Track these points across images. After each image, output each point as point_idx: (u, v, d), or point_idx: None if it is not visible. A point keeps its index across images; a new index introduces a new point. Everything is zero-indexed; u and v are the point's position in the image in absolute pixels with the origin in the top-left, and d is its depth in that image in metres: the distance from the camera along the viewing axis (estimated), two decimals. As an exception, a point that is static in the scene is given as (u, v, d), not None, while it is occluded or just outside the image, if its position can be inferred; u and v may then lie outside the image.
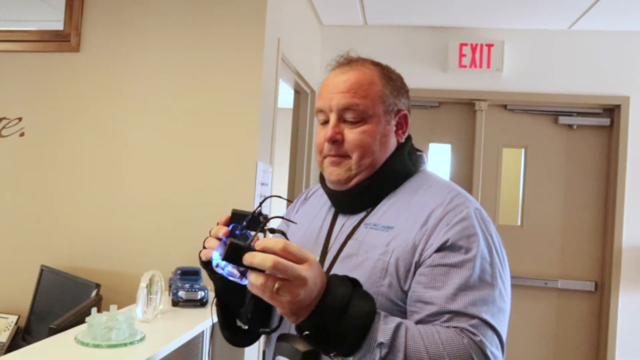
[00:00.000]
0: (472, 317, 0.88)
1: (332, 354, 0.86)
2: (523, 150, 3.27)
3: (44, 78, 2.32)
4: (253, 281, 0.77)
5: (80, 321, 1.58)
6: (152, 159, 2.22)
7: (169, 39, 2.22)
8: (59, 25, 2.31)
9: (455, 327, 0.88)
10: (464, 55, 3.19)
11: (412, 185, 1.08)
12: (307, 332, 0.82)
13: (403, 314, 0.95)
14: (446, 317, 0.89)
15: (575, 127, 3.21)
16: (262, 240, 0.79)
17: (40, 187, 2.31)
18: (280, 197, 1.15)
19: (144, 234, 2.19)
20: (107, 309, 1.55)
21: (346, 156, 1.06)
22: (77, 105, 2.29)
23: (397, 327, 0.85)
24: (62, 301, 2.04)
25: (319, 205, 1.21)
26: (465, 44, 3.19)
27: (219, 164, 2.16)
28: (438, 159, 3.32)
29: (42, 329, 1.88)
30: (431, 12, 3.03)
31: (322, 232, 1.12)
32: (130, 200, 2.22)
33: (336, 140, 1.06)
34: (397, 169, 1.09)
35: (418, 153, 1.16)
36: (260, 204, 0.98)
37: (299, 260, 0.78)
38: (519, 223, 3.25)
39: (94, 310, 1.51)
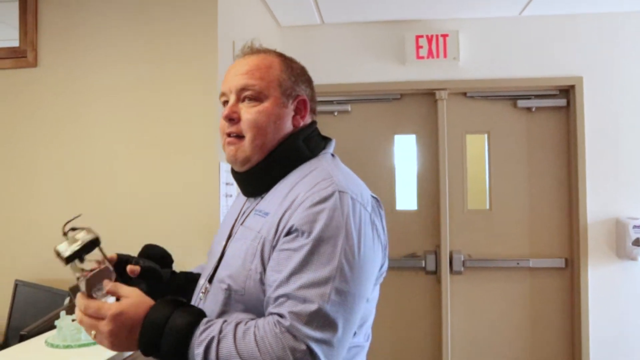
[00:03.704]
0: (302, 300, 0.91)
1: None
2: (486, 135, 3.35)
3: (4, 94, 2.35)
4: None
5: (52, 327, 1.61)
6: (113, 168, 2.26)
7: (123, 50, 2.27)
8: (16, 43, 2.35)
9: (277, 313, 0.92)
10: (421, 47, 3.27)
11: (302, 171, 1.10)
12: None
13: None
14: (280, 300, 0.93)
15: (534, 109, 3.30)
16: (77, 298, 0.98)
17: (6, 202, 2.34)
18: (77, 216, 1.18)
19: (110, 240, 2.22)
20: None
21: (241, 137, 1.11)
22: (38, 118, 2.32)
23: (210, 343, 0.91)
24: (38, 313, 2.06)
25: (241, 197, 1.28)
26: (421, 36, 3.27)
27: (182, 168, 2.21)
28: (404, 150, 3.39)
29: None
30: (386, 6, 3.11)
31: (232, 219, 1.20)
32: (93, 210, 2.25)
33: (232, 119, 1.11)
34: (288, 152, 1.12)
35: (325, 139, 1.21)
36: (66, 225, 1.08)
37: (98, 318, 0.94)
38: (487, 207, 3.33)
39: (62, 313, 1.55)
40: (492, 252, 3.29)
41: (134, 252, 2.17)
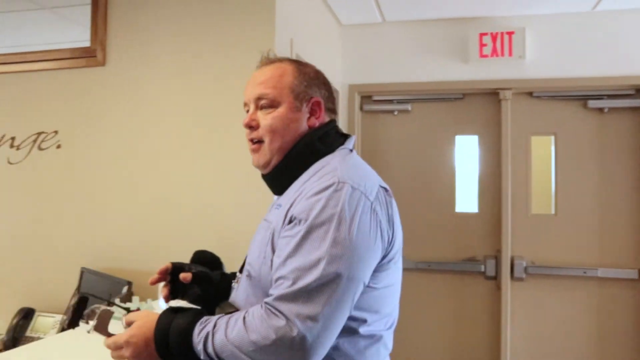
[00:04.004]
0: (292, 280, 0.99)
1: None
2: (552, 137, 3.20)
3: (75, 92, 2.49)
4: None
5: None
6: (174, 163, 2.33)
7: (183, 47, 2.34)
8: (88, 43, 2.48)
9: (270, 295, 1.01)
10: (485, 45, 3.17)
11: (316, 167, 1.17)
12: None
13: None
14: (277, 282, 1.02)
15: (606, 110, 3.12)
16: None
17: (75, 194, 2.47)
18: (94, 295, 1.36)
19: (169, 234, 2.31)
20: (136, 303, 1.66)
21: (261, 142, 1.21)
22: (105, 115, 2.44)
23: (206, 338, 1.02)
24: (103, 298, 2.17)
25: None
26: (485, 34, 3.17)
27: (236, 165, 2.24)
28: (465, 151, 3.30)
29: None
30: (449, 4, 3.04)
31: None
32: (158, 204, 2.34)
33: (251, 126, 1.22)
34: (303, 150, 1.20)
35: (344, 136, 1.27)
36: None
37: (118, 348, 1.10)
38: (552, 212, 3.18)
39: (116, 299, 1.62)
40: (557, 259, 3.13)
41: (191, 240, 2.24)
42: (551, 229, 3.16)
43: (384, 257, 1.10)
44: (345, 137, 1.28)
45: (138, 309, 1.22)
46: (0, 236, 2.59)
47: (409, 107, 3.38)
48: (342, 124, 3.41)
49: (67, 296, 2.35)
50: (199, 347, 1.02)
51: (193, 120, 2.32)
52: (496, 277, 3.18)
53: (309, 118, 1.22)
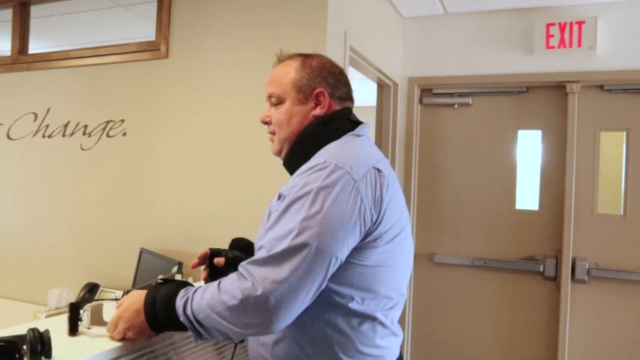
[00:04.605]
0: (267, 248, 1.08)
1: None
2: (624, 133, 3.01)
3: (140, 83, 2.64)
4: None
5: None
6: (229, 151, 2.42)
7: (240, 40, 2.42)
8: (153, 37, 2.63)
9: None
10: (552, 36, 3.03)
11: (322, 152, 1.24)
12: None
13: None
14: (258, 252, 1.13)
15: (686, 105, 2.90)
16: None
17: (138, 179, 2.64)
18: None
19: (221, 219, 2.41)
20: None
21: (274, 134, 1.35)
22: (167, 105, 2.58)
23: (186, 302, 1.13)
24: (155, 276, 2.31)
25: None
26: (552, 24, 3.03)
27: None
28: (528, 146, 3.18)
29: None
30: (513, -6, 2.94)
31: None
32: (210, 191, 2.45)
33: (266, 122, 1.37)
34: (306, 137, 1.29)
35: (354, 122, 1.32)
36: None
37: (114, 325, 1.23)
38: (621, 212, 3.00)
39: (159, 277, 1.71)
40: (624, 262, 2.96)
41: (238, 227, 2.33)
42: (619, 230, 2.98)
43: (367, 236, 1.13)
44: (357, 124, 1.33)
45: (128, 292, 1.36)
46: (73, 217, 2.82)
47: (469, 100, 3.30)
48: (401, 117, 3.38)
49: (127, 274, 2.52)
50: (179, 311, 1.12)
51: (249, 111, 2.39)
52: (556, 278, 3.05)
53: (314, 108, 1.30)
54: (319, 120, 1.29)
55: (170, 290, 1.17)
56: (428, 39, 3.32)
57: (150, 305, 1.17)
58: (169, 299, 1.15)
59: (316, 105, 1.30)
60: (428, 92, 3.40)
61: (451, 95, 3.34)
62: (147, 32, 2.88)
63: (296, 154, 1.30)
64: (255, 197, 2.35)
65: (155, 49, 2.60)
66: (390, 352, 1.22)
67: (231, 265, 1.34)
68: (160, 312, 1.15)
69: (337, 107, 1.32)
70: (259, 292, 1.03)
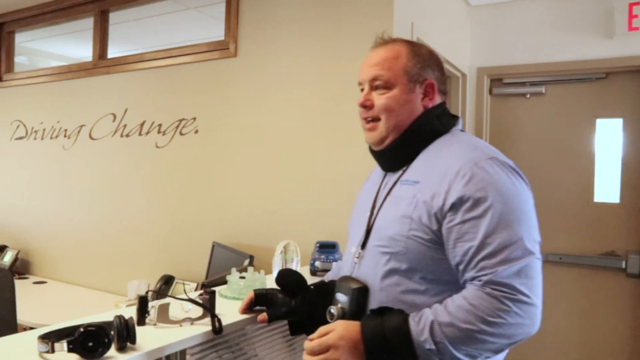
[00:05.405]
0: (500, 261, 1.03)
1: None
2: None
3: (211, 82, 2.73)
4: None
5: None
6: (296, 147, 2.46)
7: (307, 37, 2.44)
8: (222, 36, 2.70)
9: (481, 276, 1.04)
10: (635, 17, 2.84)
11: (441, 144, 1.24)
12: None
13: (433, 250, 1.14)
14: (482, 264, 1.05)
15: None
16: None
17: (210, 175, 2.72)
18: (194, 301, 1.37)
19: (290, 214, 2.45)
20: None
21: (377, 119, 1.27)
22: (237, 102, 2.64)
23: (432, 326, 1.04)
24: (226, 269, 2.38)
25: (377, 175, 1.42)
26: (636, 3, 2.83)
27: (353, 150, 2.29)
28: (607, 135, 3.00)
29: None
30: (589, -25, 2.78)
31: (372, 192, 1.35)
32: (279, 186, 2.49)
33: (366, 106, 1.28)
34: (424, 128, 1.25)
35: (454, 117, 1.31)
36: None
37: (323, 350, 1.11)
38: None
39: (233, 269, 1.76)
40: None
41: (305, 224, 2.35)
42: None
43: None
44: (455, 118, 1.32)
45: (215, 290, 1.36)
46: (149, 212, 2.95)
47: (542, 89, 3.16)
48: (470, 109, 3.30)
49: (200, 267, 2.62)
50: (422, 337, 1.04)
51: (319, 106, 2.40)
52: (640, 275, 2.87)
53: (422, 99, 1.26)
54: (430, 112, 1.26)
55: (398, 320, 1.07)
56: (497, 27, 3.21)
57: (376, 337, 1.07)
58: (403, 328, 1.06)
59: (424, 96, 1.27)
60: (498, 82, 3.29)
61: (523, 84, 3.22)
62: (216, 32, 2.97)
63: (408, 146, 1.26)
64: (323, 192, 2.37)
65: (224, 48, 2.67)
66: None
67: (261, 304, 1.43)
68: (395, 343, 1.05)
69: (439, 99, 1.29)
70: (527, 300, 1.03)
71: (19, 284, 2.53)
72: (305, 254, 2.10)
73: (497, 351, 1.06)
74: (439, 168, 1.16)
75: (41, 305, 2.84)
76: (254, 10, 2.60)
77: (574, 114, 3.09)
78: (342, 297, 1.24)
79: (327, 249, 2.14)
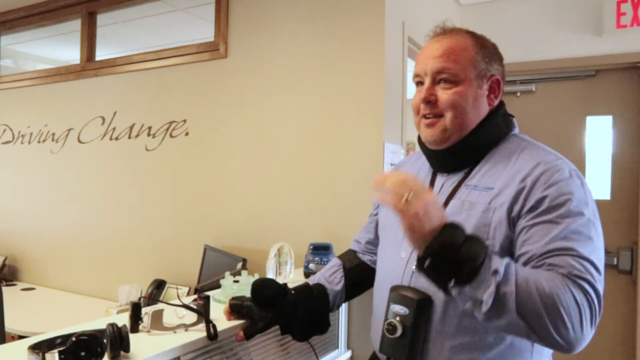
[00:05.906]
0: (571, 255, 0.98)
1: (450, 284, 0.94)
2: None
3: (201, 84, 2.70)
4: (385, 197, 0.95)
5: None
6: (288, 148, 2.43)
7: (297, 36, 2.42)
8: (212, 38, 2.68)
9: (555, 265, 0.98)
10: (623, 14, 2.86)
11: (508, 148, 1.16)
12: (428, 263, 0.94)
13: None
14: (557, 259, 0.99)
15: None
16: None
17: (200, 178, 2.70)
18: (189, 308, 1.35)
19: (283, 216, 2.42)
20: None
21: (440, 116, 1.16)
22: (228, 104, 2.62)
23: (509, 261, 0.96)
24: (218, 272, 2.35)
25: (414, 169, 1.32)
26: (625, 1, 2.85)
27: (347, 149, 2.27)
28: (597, 133, 3.02)
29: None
30: (578, -27, 2.79)
31: None
32: (272, 188, 2.47)
33: (429, 101, 1.16)
34: (492, 131, 1.17)
35: (511, 116, 1.24)
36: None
37: (404, 185, 0.95)
38: None
39: (227, 273, 1.74)
40: None
41: (302, 226, 2.33)
42: (702, 220, 2.79)
43: None
44: (512, 117, 1.26)
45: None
46: (140, 216, 2.92)
47: (533, 87, 3.17)
48: (460, 107, 3.30)
49: (192, 270, 2.59)
50: (498, 266, 0.93)
51: (306, 107, 2.38)
52: (632, 272, 2.88)
53: (487, 96, 1.18)
54: (497, 112, 1.18)
55: (481, 243, 0.96)
56: (486, 25, 3.21)
57: (452, 234, 0.94)
58: (482, 248, 0.95)
59: (489, 93, 1.18)
60: (489, 80, 3.29)
61: (513, 82, 3.22)
62: (206, 33, 2.94)
63: (476, 147, 1.17)
64: (316, 193, 2.35)
65: (214, 49, 2.65)
66: None
67: (236, 314, 1.39)
68: (467, 252, 0.93)
69: (500, 97, 1.22)
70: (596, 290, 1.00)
71: (6, 291, 2.49)
72: (299, 256, 2.09)
73: (528, 336, 0.98)
74: (515, 175, 1.09)
75: (30, 312, 2.79)
76: (243, 11, 2.58)
77: (565, 111, 3.10)
78: (401, 310, 1.12)
79: (321, 250, 2.12)
